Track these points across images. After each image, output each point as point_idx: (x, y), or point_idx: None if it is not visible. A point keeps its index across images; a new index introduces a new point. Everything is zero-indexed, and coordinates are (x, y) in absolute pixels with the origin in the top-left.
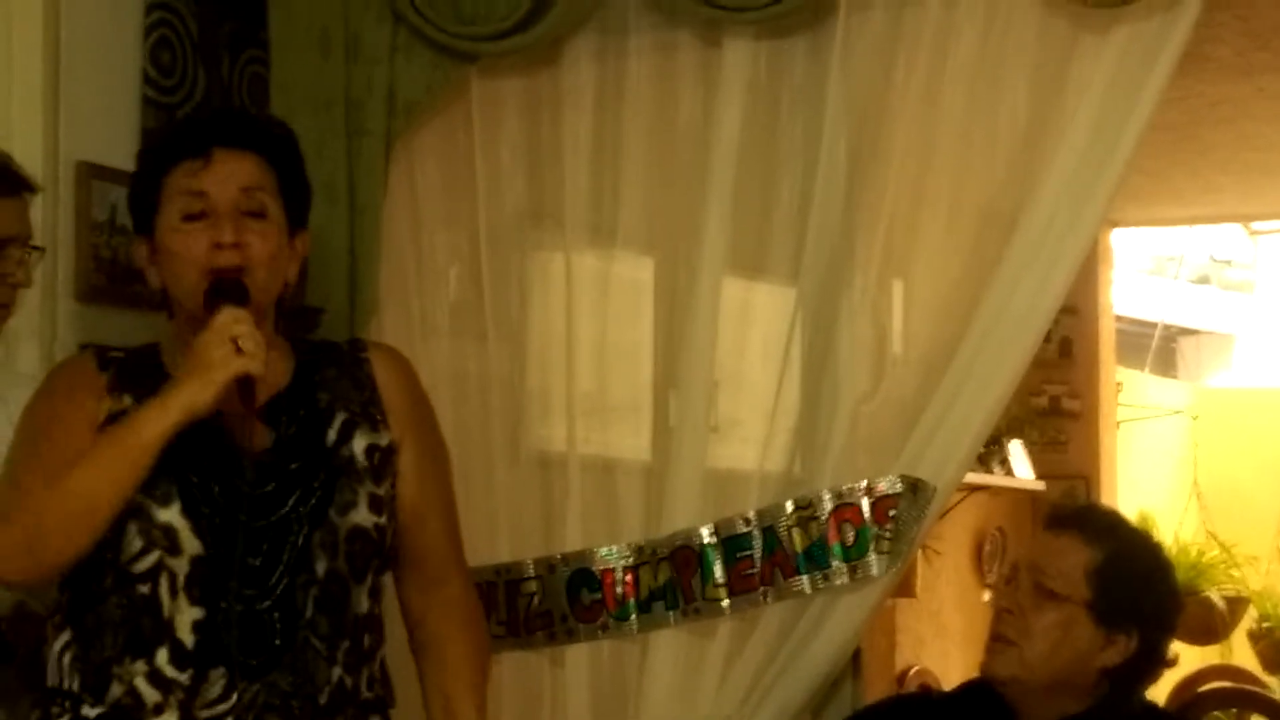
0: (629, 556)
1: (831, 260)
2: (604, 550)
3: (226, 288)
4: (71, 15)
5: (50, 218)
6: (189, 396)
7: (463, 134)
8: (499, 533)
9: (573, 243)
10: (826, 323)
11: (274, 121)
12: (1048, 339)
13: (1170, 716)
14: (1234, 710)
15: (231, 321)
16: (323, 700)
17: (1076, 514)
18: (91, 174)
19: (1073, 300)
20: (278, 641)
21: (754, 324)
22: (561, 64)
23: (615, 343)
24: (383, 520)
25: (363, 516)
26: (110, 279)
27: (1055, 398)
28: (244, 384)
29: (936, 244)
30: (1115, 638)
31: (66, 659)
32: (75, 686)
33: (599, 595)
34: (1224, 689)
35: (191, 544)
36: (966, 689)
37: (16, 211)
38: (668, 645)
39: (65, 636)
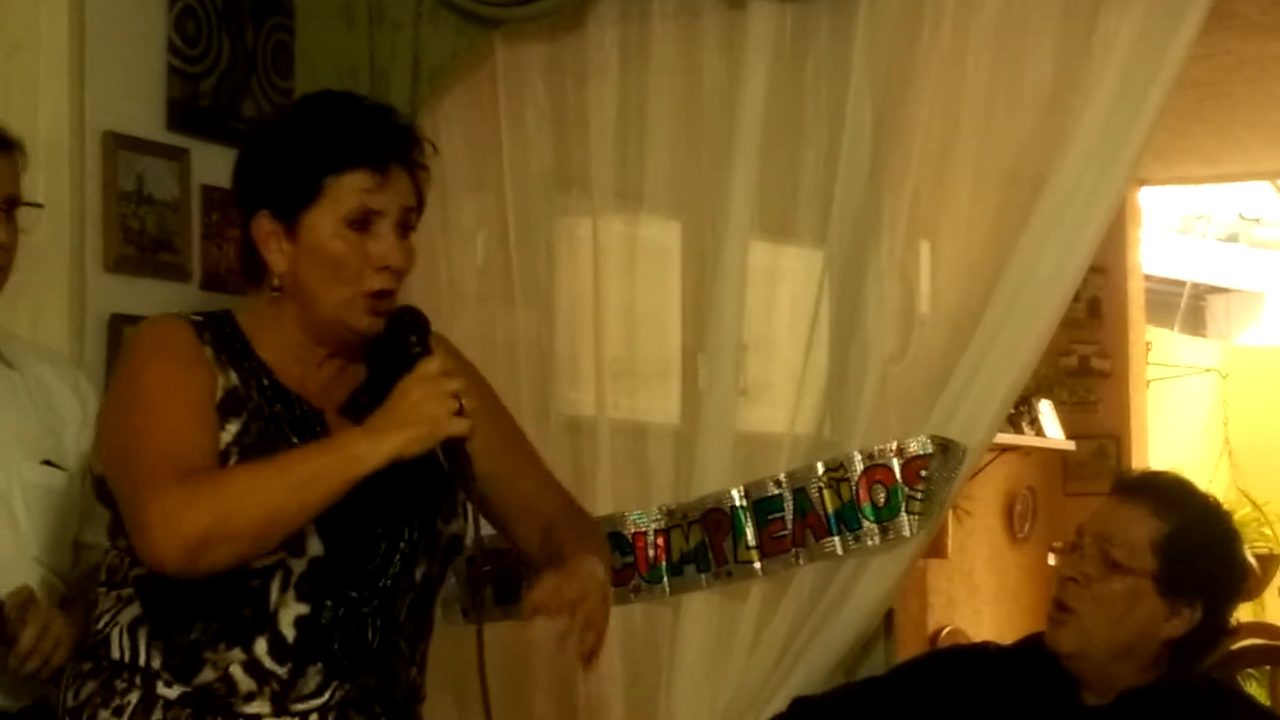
0: (660, 520)
1: (859, 223)
2: (635, 514)
3: (416, 323)
4: None
5: (77, 188)
6: (402, 447)
7: (488, 100)
8: None
9: (600, 207)
10: (854, 285)
11: (421, 134)
12: (1076, 299)
13: (1229, 691)
14: (1266, 668)
15: (443, 373)
16: (399, 699)
17: (1145, 483)
18: (118, 144)
19: (1101, 260)
20: (375, 644)
21: (782, 287)
22: (586, 29)
23: (643, 307)
24: (466, 525)
25: (458, 525)
26: (139, 249)
27: (1084, 357)
28: (455, 442)
29: (963, 206)
30: (1180, 609)
31: (141, 635)
32: (156, 665)
33: (630, 558)
34: (1257, 646)
35: (315, 546)
36: (1027, 646)
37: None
38: (700, 608)
39: (134, 611)
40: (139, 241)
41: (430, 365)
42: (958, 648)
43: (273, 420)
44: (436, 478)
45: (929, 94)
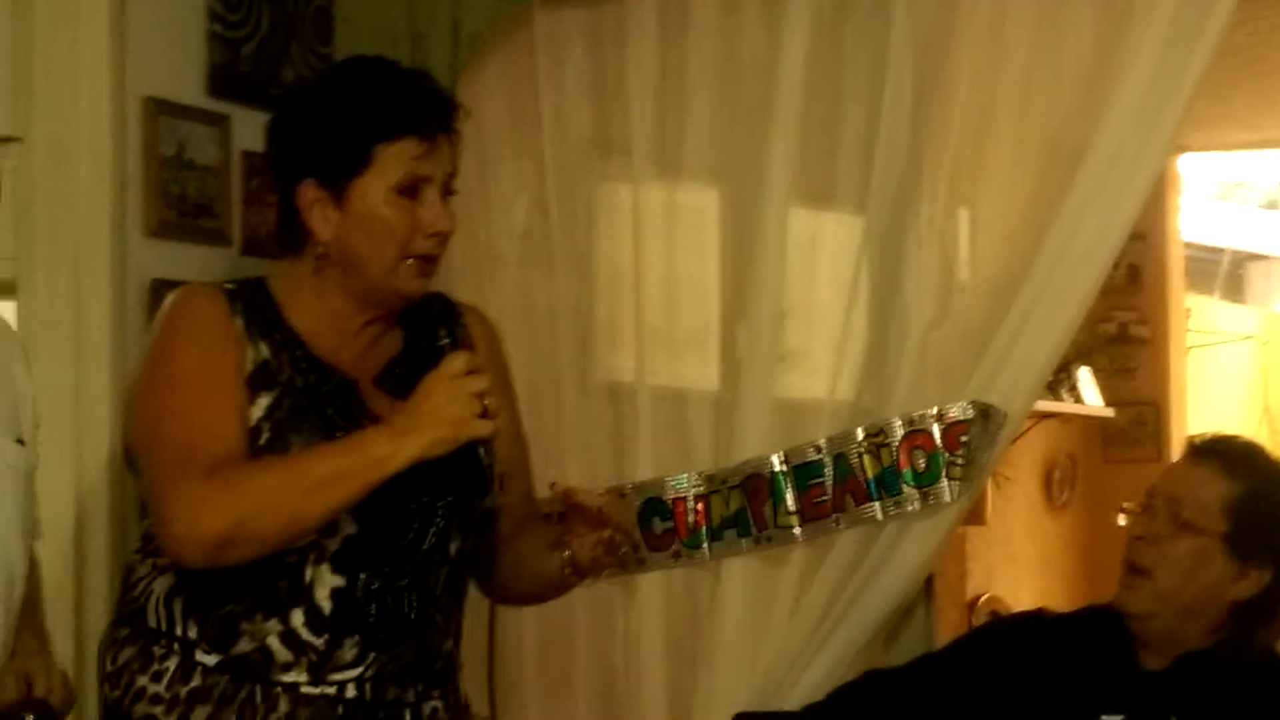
0: (700, 485)
1: (898, 190)
2: (675, 479)
3: (446, 314)
4: None
5: (119, 154)
6: (424, 450)
7: (526, 65)
8: (569, 462)
9: (639, 173)
10: (894, 252)
11: (457, 99)
12: (1116, 265)
13: None
14: None
15: (468, 371)
16: (436, 669)
17: (1216, 445)
18: (159, 110)
19: (1140, 226)
20: (412, 616)
21: (821, 254)
22: None
23: (683, 273)
24: (500, 499)
25: (492, 499)
26: (180, 214)
27: (1124, 324)
28: (477, 443)
29: (1003, 174)
30: (1248, 571)
31: (177, 605)
32: (192, 634)
33: (671, 524)
34: None
35: (347, 525)
36: (1087, 613)
37: None
38: (740, 573)
39: (169, 580)
40: (180, 207)
41: (455, 363)
42: (1014, 617)
43: (305, 392)
44: (470, 453)
45: (969, 61)
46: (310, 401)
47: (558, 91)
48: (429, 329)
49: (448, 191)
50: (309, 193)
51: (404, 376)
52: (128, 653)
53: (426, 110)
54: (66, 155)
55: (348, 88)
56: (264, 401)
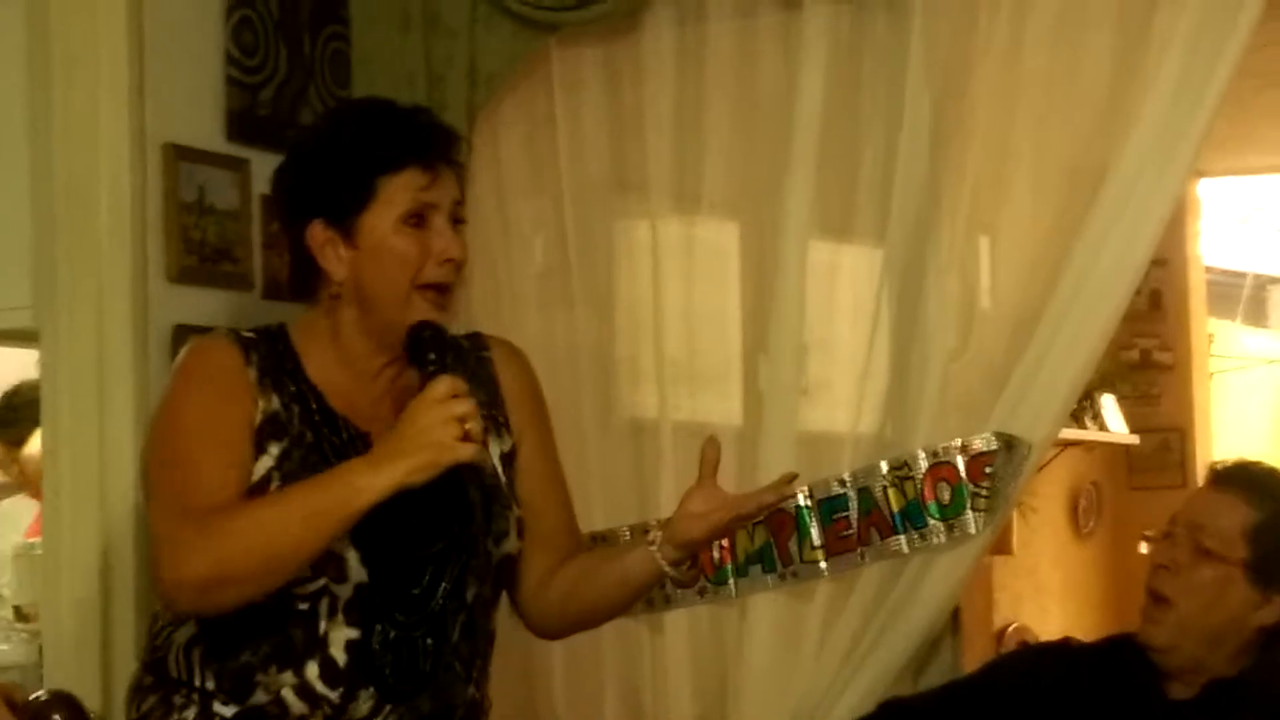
0: None
1: (918, 220)
2: None
3: (433, 341)
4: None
5: (138, 199)
6: (403, 478)
7: (544, 104)
8: (593, 500)
9: (658, 209)
10: (914, 282)
11: (457, 131)
12: (1137, 291)
13: None
14: None
15: (453, 396)
16: (456, 717)
17: (1238, 472)
18: (178, 155)
19: (1161, 252)
20: (427, 667)
21: (842, 286)
22: (641, 31)
23: (703, 308)
24: (522, 543)
25: (512, 544)
26: (200, 259)
27: (1146, 351)
28: (461, 468)
29: (1023, 201)
30: (1271, 597)
31: (195, 655)
32: (210, 685)
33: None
34: None
35: (358, 573)
36: (1114, 642)
37: None
38: (766, 609)
39: (189, 630)
40: (200, 252)
41: (438, 387)
42: (1039, 646)
43: (315, 447)
44: (485, 497)
45: (986, 89)
46: (320, 456)
47: (575, 129)
48: (419, 354)
49: (456, 220)
50: (319, 233)
51: None
52: (150, 701)
53: (427, 140)
54: (87, 201)
55: (348, 126)
56: (274, 450)
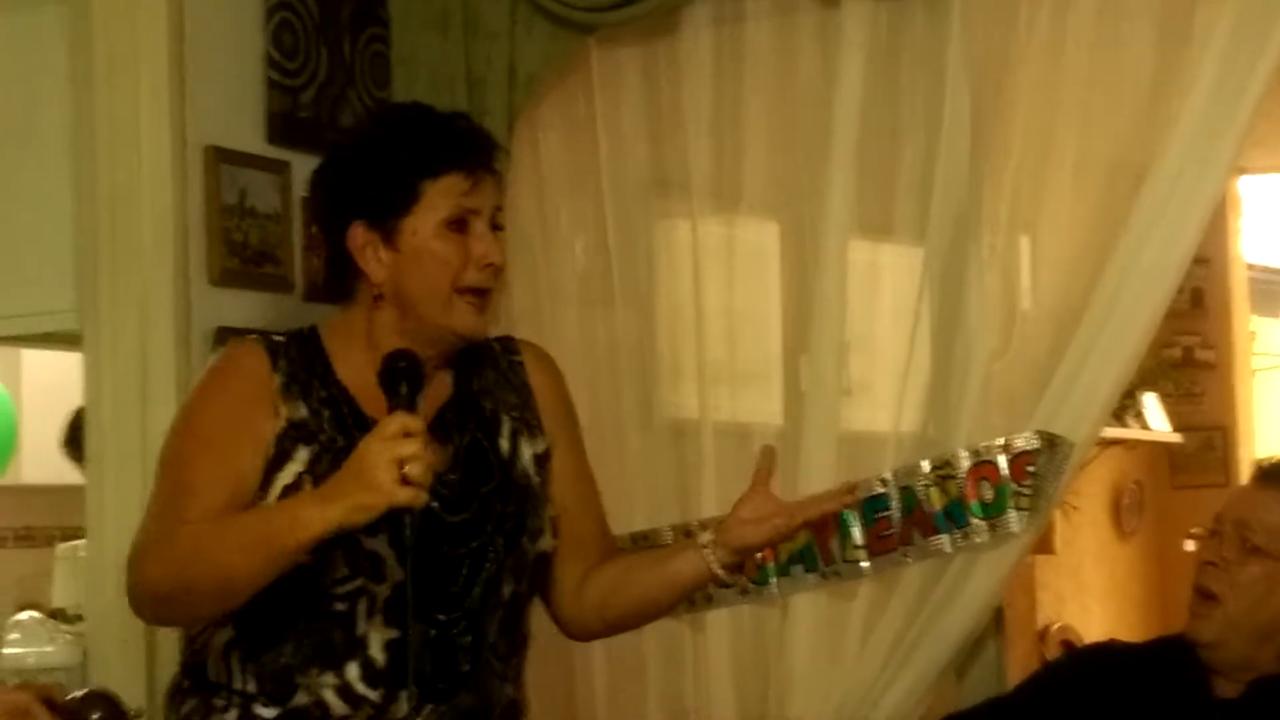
0: None
1: (958, 219)
2: None
3: (407, 371)
4: (195, 2)
5: (180, 202)
6: (344, 517)
7: (584, 104)
8: (635, 501)
9: (698, 209)
10: (955, 281)
11: (495, 139)
12: (1179, 290)
13: None
14: None
15: (402, 436)
16: (495, 716)
17: None
18: (220, 158)
19: (1203, 250)
20: (466, 666)
21: (882, 285)
22: (680, 31)
23: (743, 308)
24: (557, 542)
25: (547, 542)
26: (242, 261)
27: (1188, 349)
28: (401, 512)
29: (1064, 199)
30: None
31: (234, 658)
32: (251, 688)
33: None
34: None
35: (395, 572)
36: (1159, 643)
37: None
38: (808, 608)
39: (227, 633)
40: (242, 254)
41: (389, 425)
42: (1085, 649)
43: (347, 450)
44: (518, 490)
45: (1027, 87)
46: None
47: (615, 129)
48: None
49: (496, 226)
50: (360, 235)
51: (455, 421)
52: (190, 704)
53: (469, 146)
54: (129, 205)
55: (391, 130)
56: (303, 455)
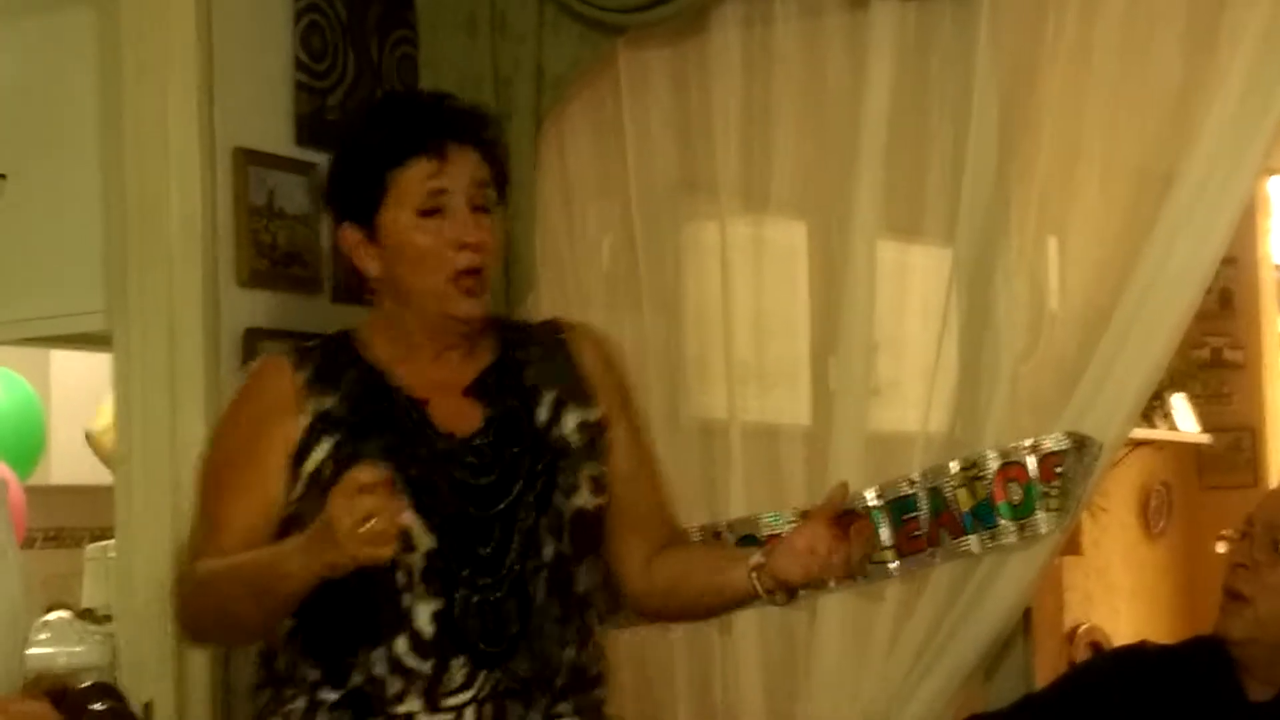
0: (794, 521)
1: (986, 220)
2: (769, 515)
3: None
4: (223, 4)
5: (209, 204)
6: (321, 571)
7: (611, 106)
8: None
9: (726, 210)
10: (983, 282)
11: (485, 111)
12: (1208, 290)
13: None
14: None
15: (363, 491)
16: (560, 682)
17: None
18: (248, 159)
19: (1231, 251)
20: (515, 629)
21: (911, 286)
22: (708, 32)
23: (772, 309)
24: (602, 500)
25: (585, 499)
26: (271, 263)
27: (1217, 350)
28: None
29: (1092, 201)
30: None
31: (295, 647)
32: (314, 675)
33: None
34: None
35: (424, 540)
36: (1190, 644)
37: None
38: (836, 609)
39: (289, 623)
40: (271, 256)
41: (347, 482)
42: (1116, 651)
43: (370, 421)
44: (544, 452)
45: (1055, 89)
46: (376, 429)
47: (643, 130)
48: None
49: (479, 203)
50: (348, 235)
51: (495, 386)
52: (264, 696)
53: (429, 129)
54: (158, 207)
55: (364, 124)
56: (326, 444)
